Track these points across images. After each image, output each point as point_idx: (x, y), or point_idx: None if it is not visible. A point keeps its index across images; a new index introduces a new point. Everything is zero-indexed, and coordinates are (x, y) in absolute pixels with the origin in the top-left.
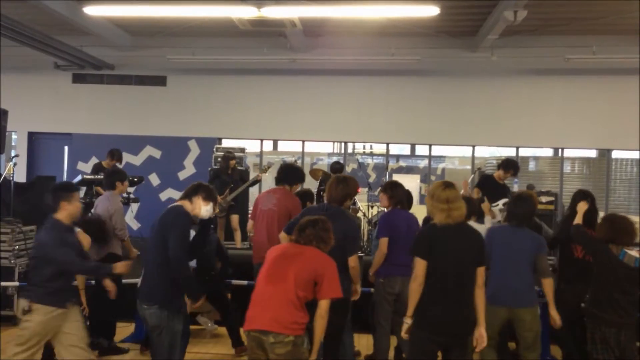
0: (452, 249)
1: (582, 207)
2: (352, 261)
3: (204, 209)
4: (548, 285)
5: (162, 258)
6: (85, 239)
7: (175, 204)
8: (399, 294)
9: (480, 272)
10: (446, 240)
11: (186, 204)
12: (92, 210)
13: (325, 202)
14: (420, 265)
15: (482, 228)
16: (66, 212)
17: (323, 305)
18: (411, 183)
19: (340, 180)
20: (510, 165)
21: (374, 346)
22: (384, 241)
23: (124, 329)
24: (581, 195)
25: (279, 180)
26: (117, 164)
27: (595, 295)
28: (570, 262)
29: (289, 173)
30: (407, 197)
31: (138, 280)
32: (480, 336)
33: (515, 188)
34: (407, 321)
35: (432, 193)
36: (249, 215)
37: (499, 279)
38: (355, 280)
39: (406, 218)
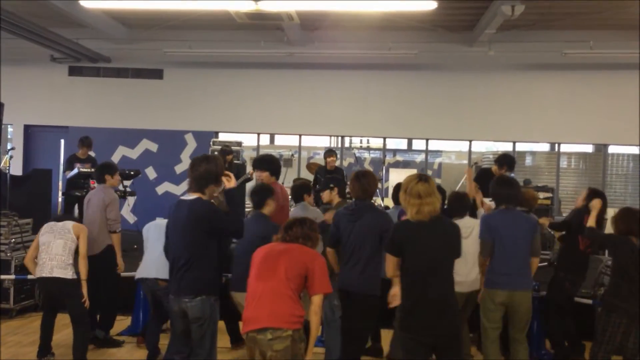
0: (425, 246)
1: (596, 205)
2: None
3: (217, 192)
4: (534, 263)
5: (202, 250)
6: (82, 231)
7: (192, 197)
8: None
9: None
10: (419, 237)
11: (200, 195)
12: (85, 205)
13: (352, 201)
14: (390, 262)
15: (475, 223)
16: (270, 207)
17: (315, 301)
18: None
19: (362, 175)
20: (504, 161)
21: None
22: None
23: (120, 322)
24: (595, 193)
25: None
26: (90, 152)
27: (616, 286)
28: (572, 253)
29: (269, 163)
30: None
31: (133, 274)
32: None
33: None
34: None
35: (405, 186)
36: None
37: (497, 263)
38: (394, 281)
39: None
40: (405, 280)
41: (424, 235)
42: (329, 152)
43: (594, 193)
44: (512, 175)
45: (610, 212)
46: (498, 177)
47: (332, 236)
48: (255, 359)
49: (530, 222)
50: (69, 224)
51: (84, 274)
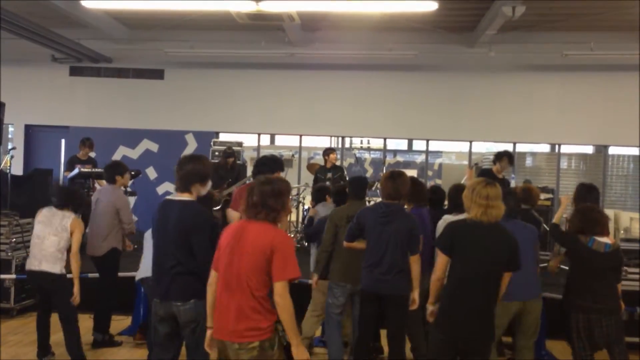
0: (478, 249)
1: (563, 201)
2: (415, 260)
3: (203, 192)
4: None
5: (190, 253)
6: (78, 227)
7: (184, 198)
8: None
9: (506, 278)
10: (476, 239)
11: (188, 196)
12: (93, 204)
13: (382, 201)
14: (440, 260)
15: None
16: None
17: (277, 289)
18: None
19: (396, 175)
20: (498, 156)
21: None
22: None
23: (121, 322)
24: (585, 189)
25: (255, 174)
26: (91, 153)
27: (572, 284)
28: None
29: (267, 164)
30: None
31: (134, 274)
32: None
33: (513, 184)
34: (429, 307)
35: (472, 187)
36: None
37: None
38: (415, 285)
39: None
40: (450, 280)
41: (479, 237)
42: (329, 149)
43: (584, 190)
44: (513, 176)
45: (610, 213)
46: (505, 189)
47: (352, 232)
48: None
49: (531, 232)
50: (67, 221)
51: (75, 272)
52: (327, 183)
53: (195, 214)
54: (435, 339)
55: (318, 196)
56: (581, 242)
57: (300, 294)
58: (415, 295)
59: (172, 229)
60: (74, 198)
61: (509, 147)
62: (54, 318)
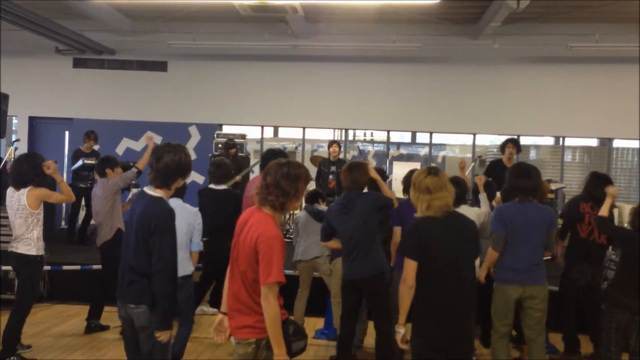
0: (445, 244)
1: (612, 192)
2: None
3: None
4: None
5: (149, 254)
6: (40, 194)
7: (155, 194)
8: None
9: (475, 264)
10: (437, 235)
11: (164, 192)
12: (92, 199)
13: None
14: (409, 267)
15: (472, 212)
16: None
17: (262, 292)
18: None
19: (353, 166)
20: (503, 145)
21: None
22: (397, 230)
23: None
24: (602, 178)
25: (263, 167)
26: (95, 146)
27: (619, 279)
28: (576, 242)
29: (270, 159)
30: None
31: None
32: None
33: None
34: (399, 330)
35: (414, 181)
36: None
37: (508, 257)
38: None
39: None
40: (420, 282)
41: (439, 232)
42: (332, 142)
43: (601, 179)
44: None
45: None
46: (516, 167)
47: (324, 231)
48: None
49: (546, 214)
50: (23, 198)
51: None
52: (330, 177)
53: (157, 214)
54: (415, 345)
55: (312, 200)
56: None
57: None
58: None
59: (135, 226)
60: (25, 175)
61: None
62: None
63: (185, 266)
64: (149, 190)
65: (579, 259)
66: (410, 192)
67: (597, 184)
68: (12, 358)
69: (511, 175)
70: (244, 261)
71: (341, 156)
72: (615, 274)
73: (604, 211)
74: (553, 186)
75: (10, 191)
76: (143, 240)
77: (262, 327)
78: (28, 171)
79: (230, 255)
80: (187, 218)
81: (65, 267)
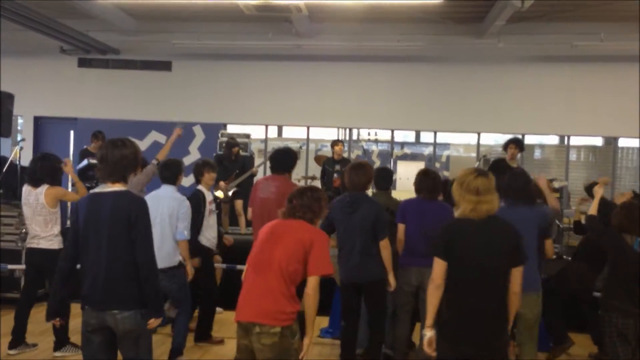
0: (478, 248)
1: (598, 191)
2: (384, 245)
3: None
4: (548, 244)
5: (128, 252)
6: (57, 194)
7: (118, 189)
8: (418, 285)
9: (517, 273)
10: (471, 238)
11: (121, 186)
12: None
13: (346, 192)
14: (438, 266)
15: None
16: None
17: (311, 283)
18: (415, 170)
19: (357, 166)
20: (506, 144)
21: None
22: (400, 227)
23: None
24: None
25: (276, 169)
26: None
27: (611, 285)
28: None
29: (284, 160)
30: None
31: None
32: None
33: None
34: (426, 333)
35: (461, 180)
36: (249, 202)
37: None
38: (388, 268)
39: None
40: (449, 285)
41: (474, 235)
42: (336, 142)
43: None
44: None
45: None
46: (511, 170)
47: (323, 228)
48: (245, 346)
49: (534, 213)
50: (42, 197)
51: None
52: (335, 175)
53: (135, 206)
54: (441, 347)
55: None
56: (626, 242)
57: None
58: (391, 278)
59: (104, 226)
60: (39, 174)
61: None
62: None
63: (173, 257)
64: (106, 188)
65: (578, 259)
66: (454, 191)
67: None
68: (66, 346)
69: (507, 178)
70: (283, 253)
71: (345, 155)
72: (606, 280)
73: (593, 210)
74: (556, 184)
75: (27, 189)
76: (121, 238)
77: (288, 313)
78: (41, 170)
79: (253, 252)
80: (169, 208)
81: None
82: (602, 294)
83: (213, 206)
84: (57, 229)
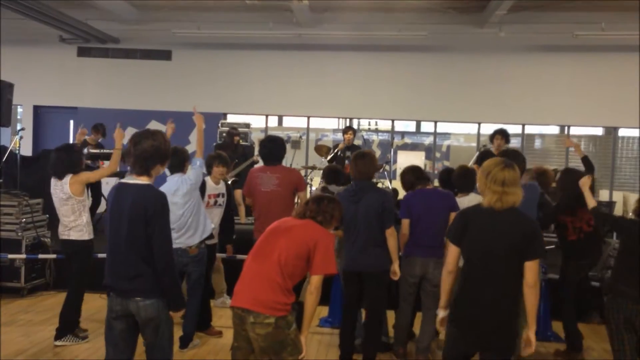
0: (492, 237)
1: (586, 182)
2: (390, 233)
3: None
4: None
5: (149, 244)
6: (80, 179)
7: (140, 182)
8: (422, 275)
9: (531, 267)
10: (484, 226)
11: (145, 179)
12: None
13: (351, 181)
14: (451, 252)
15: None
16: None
17: (313, 281)
18: (416, 160)
19: (361, 155)
20: (492, 135)
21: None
22: (405, 222)
23: None
24: (572, 173)
25: (269, 159)
26: (102, 139)
27: (621, 271)
28: (567, 245)
29: (274, 150)
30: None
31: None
32: (528, 340)
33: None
34: (440, 313)
35: (487, 171)
36: (243, 191)
37: None
38: (393, 257)
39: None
40: (462, 271)
41: (491, 224)
42: (348, 129)
43: (573, 174)
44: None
45: (619, 196)
46: (502, 154)
47: None
48: (241, 334)
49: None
50: (67, 187)
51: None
52: (347, 162)
53: (152, 200)
54: (449, 332)
55: (329, 178)
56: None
57: None
58: (396, 267)
59: (125, 217)
60: (64, 164)
61: (517, 128)
62: (60, 299)
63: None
64: (131, 180)
65: (577, 257)
66: (479, 179)
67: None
68: (67, 336)
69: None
70: (286, 247)
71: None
72: (615, 263)
73: (590, 202)
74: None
75: (53, 181)
76: (141, 229)
77: (282, 303)
78: (62, 162)
79: (260, 243)
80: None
81: None
82: (610, 279)
83: (219, 200)
84: (86, 217)
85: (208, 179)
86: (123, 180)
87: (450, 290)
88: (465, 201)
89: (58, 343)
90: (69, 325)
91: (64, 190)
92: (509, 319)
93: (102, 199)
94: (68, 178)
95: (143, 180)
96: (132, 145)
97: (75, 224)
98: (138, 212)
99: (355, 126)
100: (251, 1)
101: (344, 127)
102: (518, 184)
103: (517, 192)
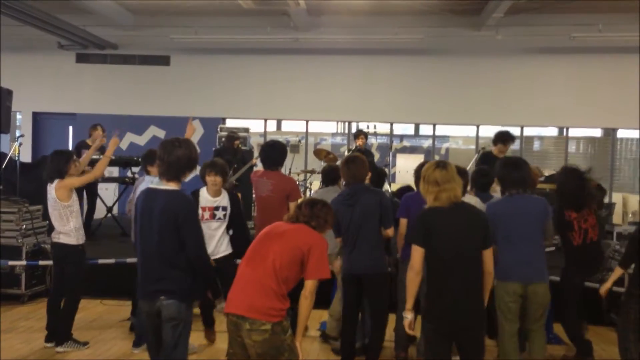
0: (449, 233)
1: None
2: (389, 233)
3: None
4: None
5: (176, 248)
6: (64, 184)
7: (170, 188)
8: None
9: (488, 255)
10: (443, 224)
11: (174, 185)
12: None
13: (344, 186)
14: (416, 253)
15: (474, 201)
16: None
17: (308, 286)
18: (414, 163)
19: (351, 159)
20: (496, 138)
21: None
22: (402, 222)
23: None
24: (572, 171)
25: (267, 164)
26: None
27: (636, 275)
28: (571, 249)
29: (272, 155)
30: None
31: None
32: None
33: None
34: (407, 315)
35: (423, 174)
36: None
37: (508, 254)
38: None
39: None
40: (428, 269)
41: (447, 222)
42: (359, 133)
43: (575, 174)
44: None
45: (618, 197)
46: (504, 159)
47: (335, 226)
48: (237, 340)
49: (541, 205)
50: (53, 191)
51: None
52: None
53: (182, 206)
54: (427, 330)
55: (328, 180)
56: None
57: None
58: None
59: (155, 222)
60: (51, 168)
61: (516, 130)
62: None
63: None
64: (160, 185)
65: (578, 265)
66: (420, 185)
67: (571, 183)
68: (68, 342)
69: (499, 169)
70: (280, 252)
71: (343, 149)
72: (635, 270)
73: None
74: (547, 172)
75: (48, 186)
76: (169, 233)
77: (278, 309)
78: (51, 167)
79: (253, 248)
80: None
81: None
82: (628, 283)
83: (217, 213)
84: (74, 223)
85: (203, 190)
86: (152, 186)
87: (416, 292)
88: (471, 201)
89: (59, 349)
90: (62, 332)
91: (51, 195)
92: (480, 305)
93: (103, 204)
94: (54, 184)
95: (172, 185)
96: (164, 152)
97: (64, 230)
98: (168, 218)
99: (353, 130)
100: (249, 6)
101: (355, 132)
102: (452, 181)
103: (453, 187)
